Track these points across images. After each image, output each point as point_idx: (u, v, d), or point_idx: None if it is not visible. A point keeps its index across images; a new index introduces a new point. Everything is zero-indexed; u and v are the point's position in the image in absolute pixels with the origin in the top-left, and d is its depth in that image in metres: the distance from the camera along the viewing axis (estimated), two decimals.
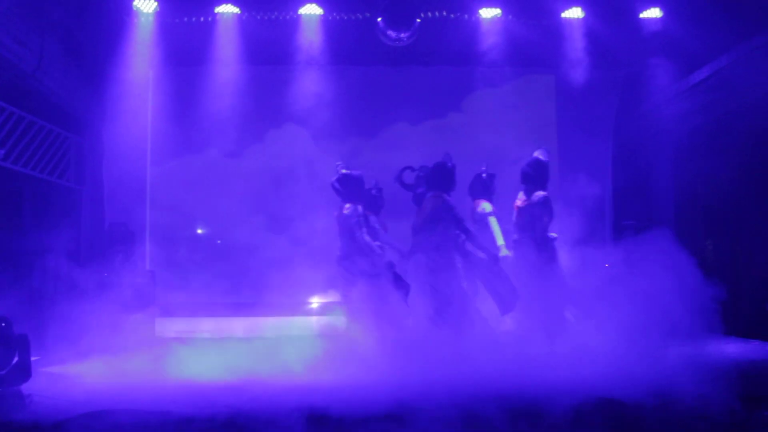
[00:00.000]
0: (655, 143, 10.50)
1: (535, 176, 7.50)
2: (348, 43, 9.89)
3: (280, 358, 6.86)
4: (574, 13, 9.69)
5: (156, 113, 10.43)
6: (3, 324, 5.40)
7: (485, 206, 8.03)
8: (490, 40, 9.80)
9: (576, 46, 9.82)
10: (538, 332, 6.96)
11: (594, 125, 10.62)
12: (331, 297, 8.65)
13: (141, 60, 9.61)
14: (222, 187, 10.47)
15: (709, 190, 9.55)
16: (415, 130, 10.72)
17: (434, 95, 10.82)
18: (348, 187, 7.47)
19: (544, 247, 7.33)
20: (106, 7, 9.14)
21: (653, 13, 9.55)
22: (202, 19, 9.60)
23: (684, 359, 5.78)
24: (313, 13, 9.61)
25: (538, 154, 7.60)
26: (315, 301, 9.94)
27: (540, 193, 7.40)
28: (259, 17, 9.63)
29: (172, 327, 9.36)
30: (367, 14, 9.57)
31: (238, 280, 9.89)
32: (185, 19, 9.58)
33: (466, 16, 9.74)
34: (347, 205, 7.39)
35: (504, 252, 7.61)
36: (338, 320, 7.75)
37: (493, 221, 7.86)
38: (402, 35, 9.41)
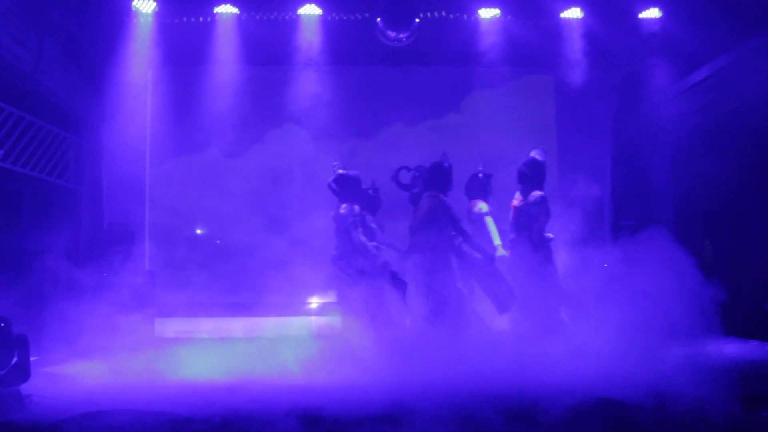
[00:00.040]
0: (654, 143, 10.49)
1: (531, 176, 7.49)
2: (347, 43, 9.88)
3: (278, 358, 6.86)
4: (573, 13, 9.69)
5: (155, 113, 10.43)
6: (2, 324, 5.40)
7: (482, 206, 8.05)
8: (489, 41, 9.80)
9: (575, 47, 9.82)
10: (535, 332, 6.96)
11: (593, 125, 10.61)
12: (330, 297, 8.65)
13: (140, 60, 9.60)
14: (221, 188, 10.48)
15: (708, 190, 9.55)
16: (414, 130, 10.72)
17: (433, 95, 10.81)
18: (345, 187, 7.48)
19: (541, 247, 7.33)
20: (106, 8, 9.13)
21: (652, 13, 9.55)
22: (201, 19, 9.59)
23: (683, 359, 5.77)
24: (312, 13, 9.61)
25: (534, 153, 7.60)
26: (314, 302, 9.94)
27: (537, 193, 7.40)
28: (258, 17, 9.62)
29: (171, 327, 9.36)
30: (366, 14, 9.57)
31: (237, 280, 9.89)
32: (184, 19, 9.57)
33: (465, 16, 9.74)
34: (344, 205, 7.40)
35: (501, 252, 7.62)
36: (335, 320, 7.76)
37: (489, 221, 7.88)
38: (401, 35, 9.41)
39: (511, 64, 10.01)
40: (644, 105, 10.33)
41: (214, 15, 9.54)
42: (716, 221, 9.45)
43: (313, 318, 9.70)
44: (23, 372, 5.44)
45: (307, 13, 9.60)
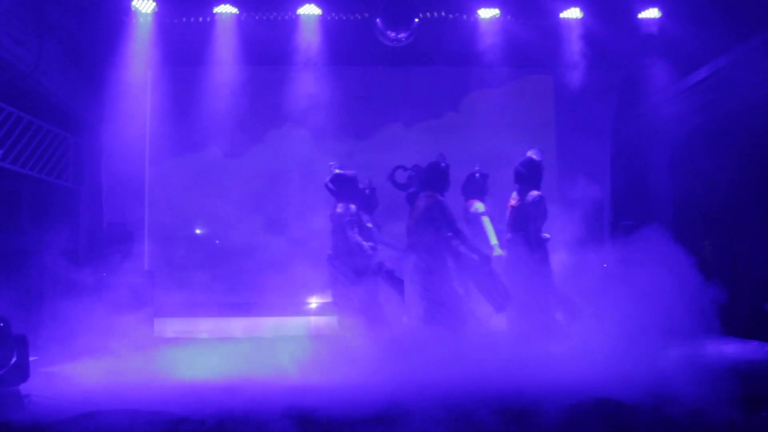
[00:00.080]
0: (653, 144, 10.50)
1: (528, 176, 7.50)
2: (346, 43, 9.88)
3: (275, 358, 6.87)
4: (573, 13, 9.69)
5: (154, 113, 10.43)
6: (1, 324, 5.40)
7: (478, 206, 8.05)
8: (488, 41, 9.80)
9: (574, 47, 9.82)
10: (531, 333, 6.96)
11: (592, 126, 10.61)
12: (328, 297, 8.66)
13: (139, 60, 9.60)
14: (220, 188, 10.48)
15: (707, 190, 9.55)
16: (414, 130, 10.72)
17: (433, 96, 10.82)
18: (341, 186, 7.49)
19: (537, 247, 7.34)
20: (105, 8, 9.12)
21: (651, 13, 9.55)
22: (200, 19, 9.59)
23: (682, 360, 5.76)
24: (311, 13, 9.60)
25: (531, 153, 7.60)
26: (313, 302, 9.95)
27: (534, 193, 7.40)
28: (257, 17, 9.62)
29: (170, 327, 9.36)
30: (366, 14, 9.57)
31: (237, 280, 9.90)
32: (184, 19, 9.57)
33: (464, 16, 9.73)
34: (340, 205, 7.41)
35: (497, 251, 7.63)
36: (333, 320, 7.76)
37: (486, 221, 7.89)
38: (400, 35, 9.41)
39: (510, 64, 10.01)
40: (644, 105, 10.33)
41: (213, 15, 9.54)
42: (716, 221, 9.45)
43: (312, 318, 9.70)
44: (22, 372, 5.43)
45: (306, 13, 9.60)
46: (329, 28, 9.70)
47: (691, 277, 6.23)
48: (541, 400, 4.99)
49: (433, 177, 7.43)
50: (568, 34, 9.82)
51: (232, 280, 9.95)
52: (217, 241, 10.61)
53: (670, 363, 5.70)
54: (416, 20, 9.36)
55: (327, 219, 7.65)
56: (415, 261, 7.28)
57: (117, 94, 9.57)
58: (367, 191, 8.29)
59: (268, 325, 9.36)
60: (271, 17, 9.66)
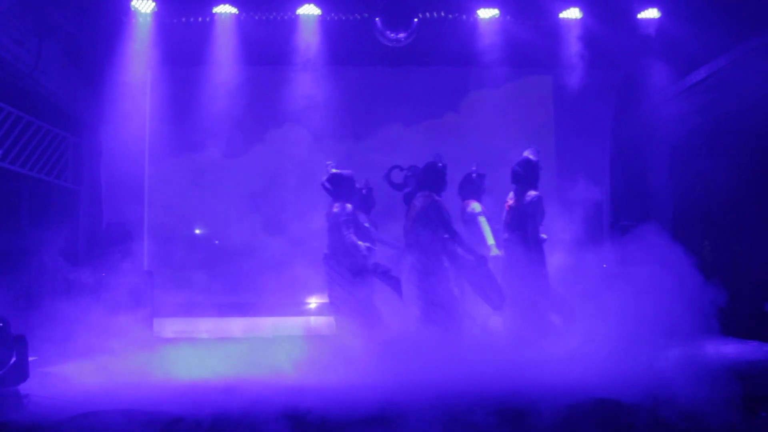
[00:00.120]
0: (653, 144, 10.50)
1: (525, 176, 7.49)
2: (346, 43, 9.88)
3: (271, 358, 6.88)
4: (572, 13, 9.68)
5: (154, 114, 10.43)
6: (1, 324, 5.39)
7: (475, 206, 8.05)
8: (487, 41, 9.79)
9: (574, 47, 9.81)
10: (527, 333, 6.95)
11: (592, 126, 10.62)
12: (327, 297, 8.67)
13: (139, 60, 9.60)
14: (220, 188, 10.49)
15: (707, 190, 9.55)
16: (413, 130, 10.73)
17: (432, 96, 10.82)
18: (338, 186, 7.48)
19: (535, 247, 7.33)
20: (104, 8, 9.12)
21: (651, 13, 9.54)
22: (200, 19, 9.58)
23: (681, 360, 5.76)
24: (311, 13, 9.59)
25: (527, 153, 7.59)
26: (312, 302, 9.95)
27: (532, 193, 7.39)
28: (257, 17, 9.61)
29: (169, 327, 9.36)
30: (365, 14, 9.56)
31: (236, 280, 9.91)
32: (183, 19, 9.56)
33: (464, 16, 9.73)
34: (336, 204, 7.40)
35: (494, 251, 7.62)
36: (331, 321, 7.76)
37: (483, 221, 7.89)
38: (400, 35, 9.41)
39: (509, 64, 10.00)
40: (643, 105, 10.33)
41: (212, 15, 9.53)
42: (715, 221, 9.45)
43: (311, 318, 9.71)
44: (22, 372, 5.43)
45: (306, 13, 9.59)
46: (329, 28, 9.70)
47: (690, 277, 6.21)
48: (539, 400, 4.97)
49: (430, 177, 7.42)
50: (568, 35, 9.80)
51: (231, 280, 9.96)
52: (217, 241, 10.62)
53: (669, 363, 5.69)
54: (416, 20, 9.36)
55: (324, 218, 7.65)
56: (411, 261, 7.28)
57: (116, 94, 9.57)
58: (364, 191, 8.30)
59: (268, 325, 9.36)
60: (271, 17, 9.66)
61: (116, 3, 9.17)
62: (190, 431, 4.71)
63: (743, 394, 5.08)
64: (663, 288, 6.15)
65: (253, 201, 10.42)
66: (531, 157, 7.56)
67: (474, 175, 8.26)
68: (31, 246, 8.16)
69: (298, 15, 9.63)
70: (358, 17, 9.65)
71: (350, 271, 7.24)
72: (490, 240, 7.74)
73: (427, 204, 7.23)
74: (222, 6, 9.44)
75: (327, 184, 7.56)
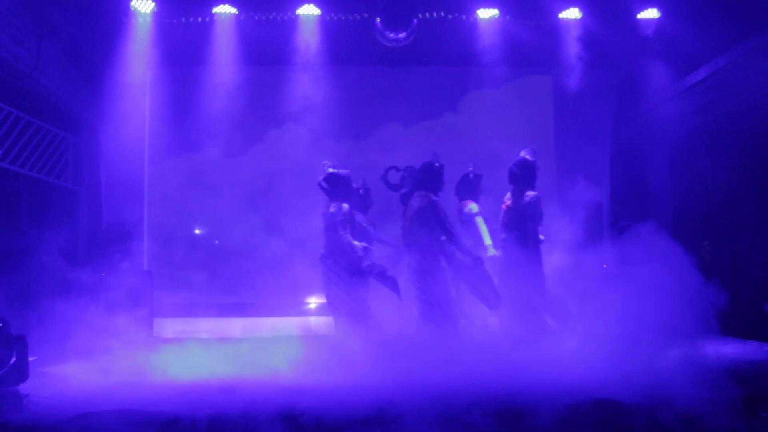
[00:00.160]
0: (653, 144, 10.50)
1: (522, 176, 7.47)
2: (346, 43, 9.88)
3: (271, 359, 6.89)
4: (572, 13, 9.67)
5: (154, 114, 10.43)
6: (1, 324, 5.40)
7: (472, 206, 8.06)
8: (487, 41, 9.79)
9: (574, 47, 9.81)
10: (525, 333, 6.93)
11: (591, 126, 10.62)
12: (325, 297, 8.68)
13: (139, 60, 9.60)
14: (219, 188, 10.49)
15: (707, 190, 9.55)
16: (413, 130, 10.73)
17: (432, 96, 10.82)
18: (335, 186, 7.48)
19: (534, 247, 7.32)
20: (104, 8, 9.12)
21: (651, 13, 9.54)
22: (199, 19, 9.58)
23: (681, 360, 5.76)
24: (310, 13, 9.59)
25: (524, 153, 7.58)
26: (312, 302, 9.95)
27: (531, 193, 7.37)
28: (256, 17, 9.60)
29: (169, 327, 9.36)
30: (365, 15, 9.56)
31: (236, 281, 9.91)
32: (183, 19, 9.56)
33: (463, 16, 9.72)
34: (333, 204, 7.40)
35: (491, 251, 7.62)
36: (330, 321, 7.76)
37: (480, 221, 7.90)
38: (400, 36, 9.41)
39: (509, 64, 10.01)
40: (643, 105, 10.33)
41: (212, 15, 9.53)
42: (715, 222, 9.45)
43: (311, 318, 9.71)
44: (22, 372, 5.43)
45: (305, 13, 9.59)
46: (328, 28, 9.70)
47: (690, 277, 6.22)
48: (538, 400, 4.98)
49: (427, 177, 7.41)
50: (568, 35, 9.81)
51: (231, 280, 9.97)
52: (217, 241, 10.63)
53: (669, 363, 5.69)
54: (415, 20, 9.36)
55: (320, 218, 7.65)
56: (409, 261, 7.28)
57: (116, 94, 9.57)
58: (361, 191, 8.30)
59: (267, 325, 9.36)
60: (271, 17, 9.65)
61: (116, 3, 9.17)
62: (202, 430, 4.71)
63: (743, 394, 5.08)
64: (663, 288, 6.15)
65: (252, 201, 10.43)
66: (528, 157, 7.55)
67: (471, 175, 8.27)
68: (30, 246, 8.17)
69: (298, 15, 9.63)
70: (358, 17, 9.65)
71: (347, 271, 7.23)
72: (488, 240, 7.75)
73: (424, 204, 7.22)
74: (222, 6, 9.44)
75: (324, 184, 7.55)
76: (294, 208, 9.48)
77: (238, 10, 9.50)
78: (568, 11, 9.66)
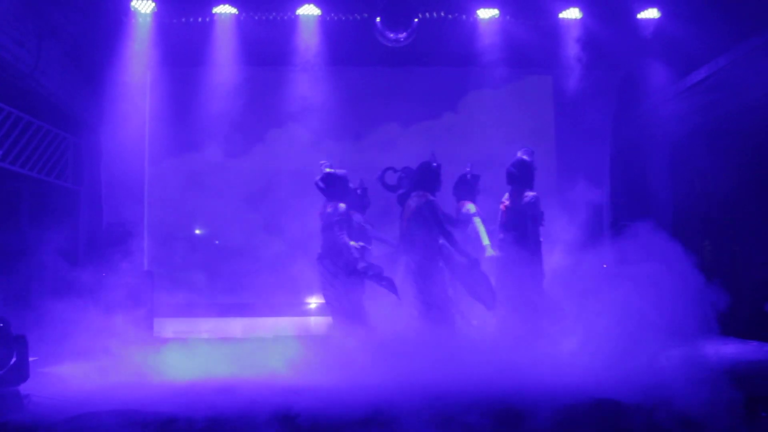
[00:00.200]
0: (653, 144, 10.50)
1: (520, 176, 7.43)
2: (346, 43, 9.88)
3: (270, 359, 6.89)
4: (572, 13, 9.68)
5: (154, 114, 10.43)
6: (1, 324, 5.40)
7: (470, 207, 8.05)
8: (487, 41, 9.80)
9: (574, 47, 9.81)
10: (522, 334, 6.92)
11: (592, 126, 10.61)
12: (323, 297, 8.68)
13: (139, 61, 9.61)
14: (220, 188, 10.49)
15: (707, 190, 9.55)
16: (413, 130, 10.73)
17: (432, 96, 10.83)
18: (331, 185, 7.46)
19: (534, 248, 7.30)
20: (104, 8, 9.12)
21: (651, 13, 9.54)
22: (199, 19, 9.58)
23: (681, 360, 5.76)
24: (311, 13, 9.59)
25: (521, 154, 7.56)
26: (313, 302, 9.95)
27: (530, 194, 7.34)
28: (256, 18, 9.60)
29: (169, 327, 9.37)
30: (365, 15, 9.56)
31: (236, 281, 9.90)
32: (183, 19, 9.56)
33: (464, 16, 9.72)
34: (330, 204, 7.39)
35: (489, 252, 7.61)
36: (328, 320, 7.77)
37: (478, 222, 7.88)
38: (400, 36, 9.41)
39: (509, 64, 10.00)
40: (643, 106, 10.33)
41: (212, 15, 9.53)
42: (715, 222, 9.45)
43: (311, 318, 9.71)
44: (22, 372, 5.43)
45: (305, 13, 9.59)
46: (328, 28, 9.70)
47: (690, 277, 6.21)
48: (537, 401, 4.97)
49: (425, 177, 7.40)
50: (568, 35, 9.81)
51: (231, 280, 9.97)
52: (217, 241, 10.63)
53: (669, 363, 5.69)
54: (416, 20, 9.36)
55: (318, 218, 7.65)
56: (406, 261, 7.27)
57: (116, 94, 9.58)
58: (359, 191, 8.29)
59: (268, 325, 9.37)
60: (271, 17, 9.65)
61: (116, 3, 9.17)
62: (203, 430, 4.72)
63: (743, 394, 5.08)
64: (663, 288, 6.15)
65: (252, 201, 10.43)
66: (525, 157, 7.52)
67: (469, 175, 8.25)
68: (31, 246, 8.17)
69: (298, 15, 9.63)
70: (358, 17, 9.64)
71: (344, 271, 7.22)
72: (486, 241, 7.74)
73: (421, 204, 7.20)
74: (222, 6, 9.44)
75: (321, 184, 7.54)
76: (294, 208, 9.49)
77: (238, 10, 9.50)
78: (568, 11, 9.66)
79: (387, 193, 8.35)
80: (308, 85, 9.99)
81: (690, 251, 6.46)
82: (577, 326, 6.77)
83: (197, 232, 10.70)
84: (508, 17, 9.72)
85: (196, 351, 7.51)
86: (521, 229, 7.26)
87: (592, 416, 4.89)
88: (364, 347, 6.58)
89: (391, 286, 7.17)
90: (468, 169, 8.31)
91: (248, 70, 10.05)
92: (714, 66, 8.58)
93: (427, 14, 9.55)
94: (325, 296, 7.53)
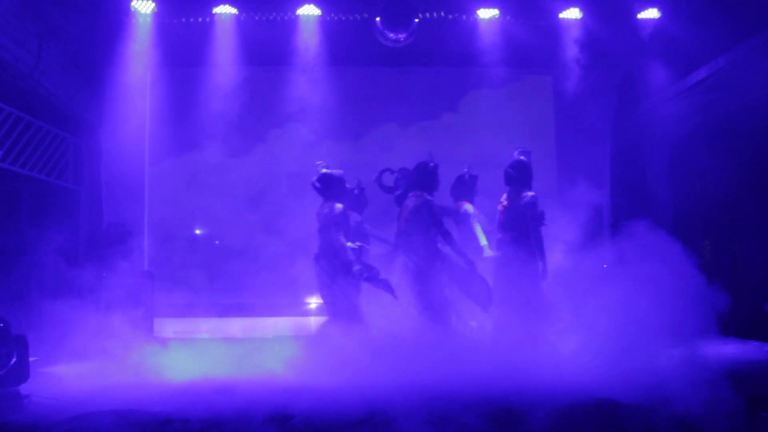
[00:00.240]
0: (653, 144, 10.51)
1: (518, 177, 7.39)
2: (346, 43, 9.88)
3: (270, 359, 6.90)
4: (572, 13, 9.68)
5: (154, 114, 10.44)
6: (1, 324, 5.40)
7: (468, 207, 8.04)
8: (487, 41, 9.80)
9: (574, 47, 9.82)
10: (521, 334, 6.91)
11: (592, 126, 10.61)
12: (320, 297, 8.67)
13: (139, 61, 9.61)
14: (220, 188, 10.49)
15: (707, 190, 9.56)
16: (413, 130, 10.73)
17: (432, 96, 10.83)
18: (328, 186, 7.46)
19: (537, 248, 7.28)
20: (104, 8, 9.12)
21: (651, 13, 9.54)
22: (199, 19, 9.58)
23: (681, 360, 5.76)
24: (311, 13, 9.59)
25: (517, 154, 7.53)
26: (313, 302, 9.94)
27: (529, 194, 7.30)
28: (257, 18, 9.60)
29: (169, 327, 9.37)
30: (366, 15, 9.56)
31: (236, 281, 9.89)
32: (183, 19, 9.56)
33: (464, 16, 9.72)
34: (326, 205, 7.39)
35: (487, 252, 7.60)
36: (322, 321, 7.77)
37: (475, 222, 7.88)
38: (400, 36, 9.41)
39: (509, 64, 10.01)
40: (643, 106, 10.33)
41: (212, 15, 9.53)
42: (716, 222, 9.45)
43: (312, 318, 9.70)
44: (22, 372, 5.44)
45: (306, 13, 9.59)
46: (329, 28, 9.70)
47: (690, 277, 6.22)
48: (536, 401, 4.97)
49: (422, 177, 7.38)
50: (568, 35, 9.81)
51: (231, 280, 9.95)
52: (217, 241, 10.63)
53: (669, 363, 5.69)
54: (416, 20, 9.36)
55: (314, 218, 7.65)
56: (404, 262, 7.26)
57: (116, 94, 9.58)
58: (356, 191, 8.28)
59: (268, 325, 9.37)
60: (271, 18, 9.65)
61: (116, 3, 9.17)
62: (203, 430, 4.72)
63: (743, 394, 5.08)
64: (663, 288, 6.15)
65: (253, 201, 10.43)
66: (521, 158, 7.50)
67: (467, 176, 8.24)
68: (31, 246, 8.17)
69: (298, 15, 9.62)
70: (358, 17, 9.64)
71: (340, 271, 7.21)
72: (483, 241, 7.73)
73: (419, 203, 7.20)
74: (222, 6, 9.44)
75: (317, 184, 7.54)
76: (294, 208, 9.48)
77: (238, 10, 9.50)
78: (568, 11, 9.66)
79: (383, 193, 8.34)
80: (308, 85, 9.99)
81: (690, 251, 6.46)
82: (577, 326, 6.78)
83: (197, 232, 10.71)
84: (508, 17, 9.72)
85: (197, 351, 7.51)
86: (519, 229, 7.23)
87: (592, 416, 4.89)
88: (361, 347, 6.58)
89: (388, 288, 7.17)
90: (466, 170, 8.30)
91: (248, 70, 10.06)
92: (714, 66, 8.58)
93: (427, 14, 9.55)
94: (322, 296, 7.53)
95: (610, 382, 5.41)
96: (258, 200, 10.41)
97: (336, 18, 9.68)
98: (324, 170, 7.54)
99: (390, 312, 7.20)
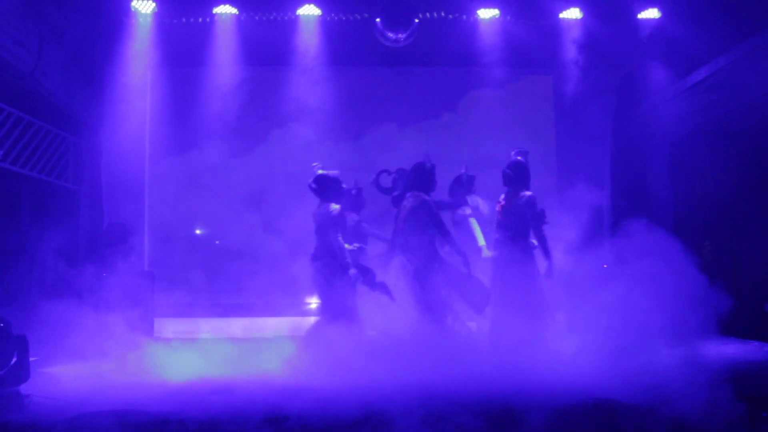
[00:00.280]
0: (653, 144, 10.51)
1: (515, 177, 7.38)
2: (346, 43, 9.88)
3: (269, 359, 6.90)
4: (572, 13, 9.69)
5: (154, 114, 10.44)
6: (1, 324, 5.40)
7: (466, 208, 8.04)
8: (488, 41, 9.80)
9: (574, 48, 9.82)
10: (519, 334, 6.90)
11: (592, 126, 10.61)
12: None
13: (139, 61, 9.62)
14: (220, 188, 10.50)
15: (708, 190, 9.56)
16: (412, 130, 10.73)
17: (432, 96, 10.83)
18: (324, 187, 7.46)
19: (542, 247, 7.28)
20: (105, 8, 9.13)
21: (651, 13, 9.55)
22: (200, 19, 9.58)
23: (681, 360, 5.76)
24: (311, 13, 9.60)
25: (514, 155, 7.53)
26: (313, 302, 9.94)
27: (527, 194, 7.28)
28: (257, 18, 9.61)
29: (170, 327, 9.37)
30: (366, 15, 9.56)
31: (236, 281, 9.89)
32: (183, 19, 9.57)
33: (464, 16, 9.73)
34: (322, 205, 7.39)
35: (485, 252, 7.59)
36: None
37: (473, 222, 7.87)
38: (400, 36, 9.42)
39: (510, 64, 10.01)
40: (643, 106, 10.34)
41: (213, 15, 9.53)
42: (715, 222, 9.45)
43: (312, 318, 9.70)
44: (23, 372, 5.44)
45: (306, 13, 9.59)
46: (329, 28, 9.70)
47: (690, 277, 6.22)
48: (535, 401, 4.97)
49: (419, 177, 7.36)
50: (568, 35, 9.82)
51: (231, 280, 9.96)
52: (217, 242, 10.63)
53: (669, 364, 5.69)
54: (416, 20, 9.37)
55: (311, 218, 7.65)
56: (402, 262, 7.25)
57: (117, 94, 9.60)
58: (353, 191, 8.28)
59: (268, 325, 9.36)
60: (271, 18, 9.66)
61: (116, 3, 9.18)
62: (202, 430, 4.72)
63: (744, 394, 5.08)
64: (663, 288, 6.15)
65: (253, 201, 10.43)
66: (519, 158, 7.49)
67: (464, 176, 8.24)
68: (31, 246, 8.17)
69: (298, 15, 9.63)
70: (358, 17, 9.65)
71: (337, 272, 7.20)
72: (481, 241, 7.72)
73: (417, 204, 7.18)
74: (222, 6, 9.44)
75: (313, 185, 7.54)
76: (294, 208, 9.46)
77: (238, 10, 9.50)
78: (568, 11, 9.67)
79: (380, 193, 8.34)
80: (308, 86, 10.00)
81: (690, 251, 6.46)
82: (577, 326, 6.77)
83: (197, 232, 10.71)
84: (508, 17, 9.73)
85: (197, 351, 7.52)
86: (516, 229, 7.23)
87: (592, 416, 4.89)
88: (359, 348, 6.57)
89: (385, 290, 7.17)
90: (463, 171, 8.29)
91: (248, 71, 10.06)
92: (714, 66, 8.58)
93: (427, 14, 9.55)
94: (319, 296, 7.53)
95: (610, 382, 5.41)
96: (258, 200, 10.41)
97: (336, 18, 9.69)
98: (320, 171, 7.54)
99: (387, 312, 7.21)
